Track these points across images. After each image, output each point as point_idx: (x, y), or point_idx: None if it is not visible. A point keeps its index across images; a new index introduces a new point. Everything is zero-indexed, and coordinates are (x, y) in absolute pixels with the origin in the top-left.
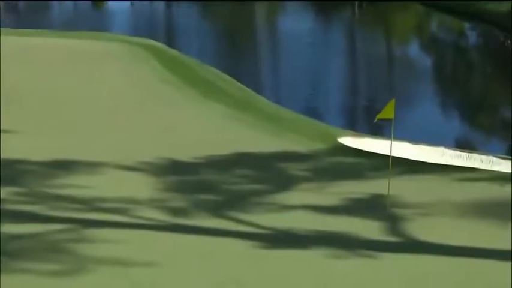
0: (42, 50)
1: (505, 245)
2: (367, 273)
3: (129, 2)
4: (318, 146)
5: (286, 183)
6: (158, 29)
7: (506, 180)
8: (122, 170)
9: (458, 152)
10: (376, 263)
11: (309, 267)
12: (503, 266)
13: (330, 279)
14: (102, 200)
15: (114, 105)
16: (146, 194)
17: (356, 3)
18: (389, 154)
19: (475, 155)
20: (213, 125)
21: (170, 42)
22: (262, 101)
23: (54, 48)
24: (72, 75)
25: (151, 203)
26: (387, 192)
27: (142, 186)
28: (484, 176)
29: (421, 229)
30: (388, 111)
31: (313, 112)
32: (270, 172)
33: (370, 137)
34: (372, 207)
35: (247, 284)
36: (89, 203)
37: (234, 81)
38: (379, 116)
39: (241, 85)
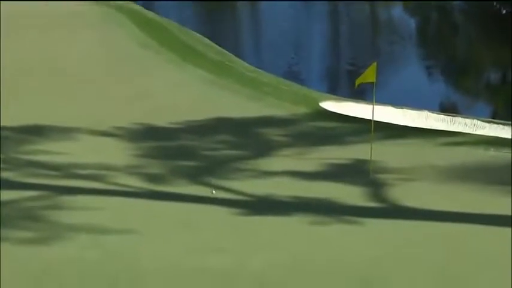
0: (7, 15)
1: (488, 210)
2: (350, 240)
3: None
4: (299, 110)
5: (267, 148)
6: None
7: (490, 144)
8: (96, 135)
9: (442, 116)
10: (360, 229)
11: (292, 234)
12: (486, 231)
13: (313, 246)
14: (77, 166)
15: (87, 70)
16: (122, 160)
17: None
18: (371, 118)
19: (459, 119)
20: (191, 90)
21: (147, 4)
22: (242, 65)
23: (22, 11)
24: (43, 39)
25: (128, 169)
26: (369, 158)
27: (118, 153)
28: (468, 140)
29: (404, 195)
30: (369, 75)
31: (294, 76)
32: (250, 137)
33: (353, 101)
34: (354, 172)
35: (229, 252)
36: (63, 170)
37: (214, 45)
38: (359, 80)
39: (221, 49)
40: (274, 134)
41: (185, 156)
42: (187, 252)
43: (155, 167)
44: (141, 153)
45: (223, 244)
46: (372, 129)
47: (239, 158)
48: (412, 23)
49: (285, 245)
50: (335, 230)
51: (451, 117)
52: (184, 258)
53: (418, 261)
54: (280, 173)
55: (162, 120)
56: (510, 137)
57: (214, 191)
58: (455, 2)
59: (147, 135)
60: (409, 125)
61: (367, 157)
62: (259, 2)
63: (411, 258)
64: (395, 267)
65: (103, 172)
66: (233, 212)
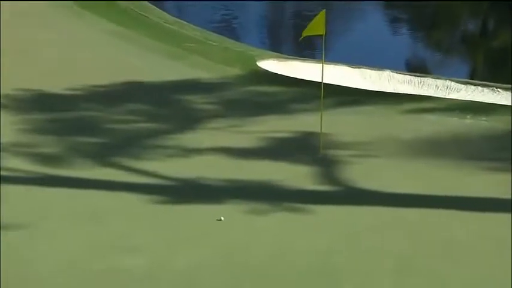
0: None
1: (462, 191)
2: (296, 231)
3: None
4: (231, 71)
5: (192, 120)
6: None
7: (466, 110)
8: None
9: (408, 77)
10: (308, 218)
11: (225, 226)
12: (458, 216)
13: (251, 240)
14: None
15: None
16: (8, 137)
17: None
18: (321, 81)
19: (429, 80)
20: (94, 46)
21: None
22: (160, 14)
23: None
24: None
25: (15, 148)
26: (319, 130)
27: (2, 128)
28: (439, 106)
29: (361, 175)
30: (317, 26)
31: (226, 30)
32: (170, 107)
33: (298, 59)
34: (300, 148)
35: (146, 250)
36: None
37: None
38: (306, 32)
39: None
40: (200, 101)
41: (87, 131)
42: (93, 250)
43: (50, 145)
44: (32, 127)
45: (138, 240)
46: (322, 94)
47: (156, 133)
48: None
49: (216, 239)
50: (278, 220)
51: (419, 78)
52: (89, 258)
53: (376, 253)
54: (209, 151)
55: (56, 84)
56: (490, 102)
57: (222, 218)
58: None
59: (37, 104)
60: (368, 89)
61: (317, 129)
62: None
63: (368, 250)
64: (349, 261)
65: None
66: (150, 201)
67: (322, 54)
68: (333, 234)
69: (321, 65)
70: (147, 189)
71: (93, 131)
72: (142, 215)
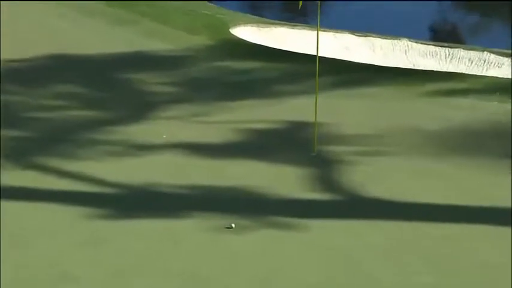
0: None
1: (502, 202)
2: (284, 257)
3: None
4: (196, 41)
5: (143, 106)
6: None
7: (509, 92)
8: None
9: (432, 48)
10: (298, 237)
11: (188, 251)
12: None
13: (224, 271)
14: None
15: None
16: None
17: None
18: (315, 54)
19: (461, 52)
20: (13, 8)
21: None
22: None
23: None
24: None
25: None
26: (313, 119)
27: None
28: (474, 87)
29: (368, 180)
30: None
31: None
32: (115, 88)
33: (285, 25)
34: (288, 145)
35: (79, 281)
36: None
37: None
38: None
39: None
40: (154, 81)
41: (5, 122)
42: (10, 280)
43: None
44: None
45: (72, 270)
46: (317, 71)
47: (95, 124)
48: None
49: (177, 267)
50: (260, 240)
51: (447, 50)
52: None
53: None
54: (166, 148)
55: None
56: None
57: (233, 225)
58: None
59: None
60: (379, 64)
61: (310, 118)
62: None
63: (377, 283)
64: None
65: None
66: (87, 215)
67: (317, 18)
68: (331, 260)
69: (316, 32)
70: (83, 200)
71: (12, 122)
72: (76, 235)
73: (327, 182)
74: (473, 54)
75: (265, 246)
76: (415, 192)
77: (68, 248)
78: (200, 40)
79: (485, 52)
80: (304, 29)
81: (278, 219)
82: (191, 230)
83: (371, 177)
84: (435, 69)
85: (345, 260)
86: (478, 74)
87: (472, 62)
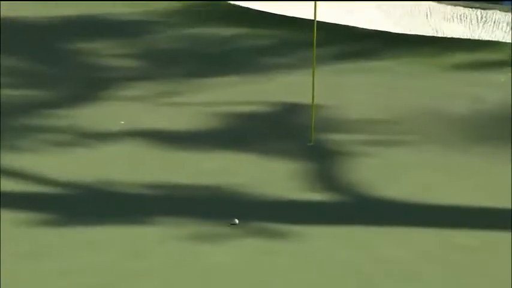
0: None
1: None
2: (274, 271)
3: None
4: (166, 3)
5: (96, 83)
6: None
7: None
8: None
9: (461, 9)
10: (292, 248)
11: (148, 266)
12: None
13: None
14: None
15: None
16: None
17: None
18: (312, 18)
19: (496, 14)
20: None
21: None
22: None
23: None
24: None
25: None
26: (310, 100)
27: None
28: (507, 58)
29: (377, 176)
30: None
31: None
32: (59, 60)
33: None
34: (279, 132)
35: None
36: None
37: None
38: None
39: None
40: (110, 52)
41: None
42: None
43: None
44: None
45: (4, 286)
46: (315, 40)
47: (34, 105)
48: None
49: (135, 286)
50: (244, 251)
51: (479, 11)
52: None
53: None
54: (121, 136)
55: None
56: None
57: (237, 221)
58: None
59: None
60: (392, 31)
61: (306, 99)
62: None
63: None
64: None
65: None
66: (22, 221)
67: None
68: (333, 277)
69: None
70: (20, 202)
71: None
72: (11, 246)
73: (327, 179)
74: None
75: (251, 260)
76: (437, 192)
77: (1, 262)
78: (168, 1)
79: None
80: None
81: (267, 226)
82: (157, 240)
83: (382, 174)
84: (464, 37)
85: (351, 277)
86: None
87: (508, 26)
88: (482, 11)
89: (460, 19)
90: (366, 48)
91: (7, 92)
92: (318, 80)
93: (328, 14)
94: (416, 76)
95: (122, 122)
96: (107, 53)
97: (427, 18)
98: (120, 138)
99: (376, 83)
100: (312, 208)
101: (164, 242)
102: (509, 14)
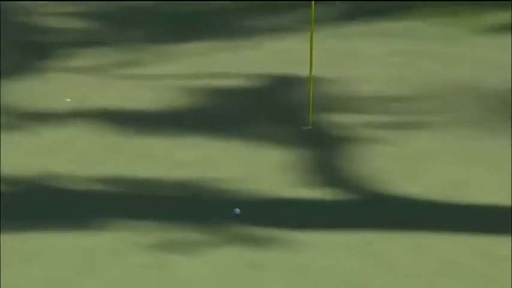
0: None
1: None
2: (261, 286)
3: None
4: None
5: (33, 50)
6: None
7: None
8: None
9: None
10: (288, 259)
11: (107, 282)
12: None
13: None
14: None
15: None
16: None
17: None
18: None
19: None
20: None
21: None
22: None
23: None
24: None
25: None
26: (307, 73)
27: None
28: None
29: (388, 168)
30: None
31: None
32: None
33: None
34: (268, 112)
35: None
36: None
37: None
38: None
39: None
40: (52, 10)
41: None
42: None
43: None
44: None
45: None
46: (312, 11)
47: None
48: None
49: None
50: (224, 263)
51: None
52: None
53: None
54: (68, 117)
55: None
56: None
57: (238, 210)
58: None
59: None
60: None
61: (303, 70)
62: None
63: None
64: None
65: None
66: None
67: None
68: None
69: None
70: None
71: None
72: None
73: (329, 172)
74: None
75: (233, 273)
76: (467, 188)
77: None
78: None
79: None
80: None
81: (253, 230)
82: (114, 251)
83: (399, 165)
84: None
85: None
86: None
87: None
88: None
89: None
90: (380, 6)
91: None
92: (318, 46)
93: None
94: (444, 41)
95: (68, 100)
96: (49, 11)
97: None
98: (65, 120)
99: (393, 50)
100: (310, 208)
101: (124, 252)
102: None
